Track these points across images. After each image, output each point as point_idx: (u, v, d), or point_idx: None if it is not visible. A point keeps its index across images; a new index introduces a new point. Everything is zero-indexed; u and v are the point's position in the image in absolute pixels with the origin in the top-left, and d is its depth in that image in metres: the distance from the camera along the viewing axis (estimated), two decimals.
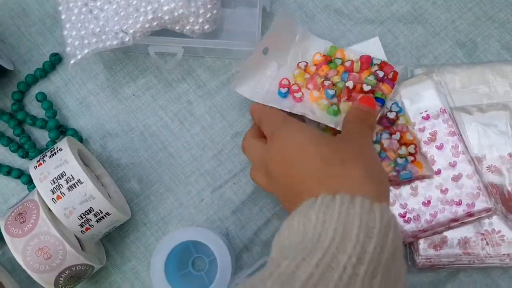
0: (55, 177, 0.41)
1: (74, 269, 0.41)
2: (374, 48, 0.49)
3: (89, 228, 0.42)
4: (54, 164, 0.41)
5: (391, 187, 0.47)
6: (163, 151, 0.50)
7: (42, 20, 0.53)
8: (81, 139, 0.49)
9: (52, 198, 0.40)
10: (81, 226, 0.41)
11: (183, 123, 0.51)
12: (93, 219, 0.41)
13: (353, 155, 0.38)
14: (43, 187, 0.41)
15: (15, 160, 0.50)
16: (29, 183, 0.49)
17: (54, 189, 0.40)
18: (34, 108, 0.51)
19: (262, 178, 0.42)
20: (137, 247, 0.48)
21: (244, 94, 0.49)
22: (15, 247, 0.40)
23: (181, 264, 0.47)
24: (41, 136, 0.50)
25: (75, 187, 0.40)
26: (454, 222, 0.44)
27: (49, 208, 0.41)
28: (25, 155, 0.49)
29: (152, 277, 0.43)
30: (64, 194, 0.40)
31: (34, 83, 0.51)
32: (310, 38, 0.51)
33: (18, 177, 0.49)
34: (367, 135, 0.42)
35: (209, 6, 0.45)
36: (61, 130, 0.49)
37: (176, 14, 0.45)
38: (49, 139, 0.49)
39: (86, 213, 0.41)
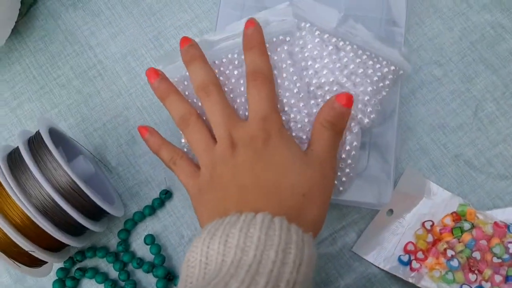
0: None
1: None
2: None
3: None
4: None
5: None
6: None
7: None
8: None
9: None
10: None
11: None
12: None
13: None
14: None
15: None
16: None
17: None
18: (140, 247, 0.49)
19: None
20: None
21: (365, 257, 0.47)
22: None
23: None
24: (146, 280, 0.48)
25: None
26: None
27: None
28: None
29: None
30: None
31: (142, 220, 0.49)
32: (439, 193, 0.47)
33: None
34: (334, 147, 0.39)
35: (347, 171, 0.42)
36: (169, 277, 0.47)
37: None
38: None
39: None
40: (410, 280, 0.45)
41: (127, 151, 0.51)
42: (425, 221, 0.46)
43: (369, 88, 0.42)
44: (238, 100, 0.42)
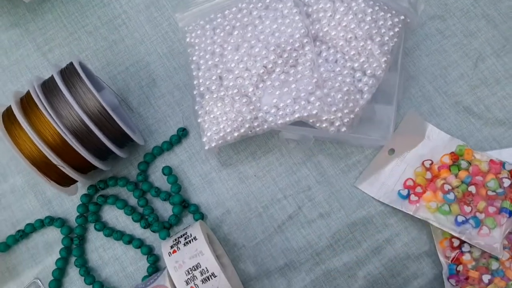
0: (190, 268, 0.42)
1: None
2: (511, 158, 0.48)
3: None
4: (189, 254, 0.42)
5: None
6: (279, 234, 0.50)
7: (171, 92, 0.54)
8: (203, 217, 0.50)
9: None
10: None
11: (301, 208, 0.51)
12: None
13: None
14: (178, 276, 0.42)
15: (135, 229, 0.52)
16: (149, 254, 0.50)
17: (189, 280, 0.41)
18: (158, 179, 0.52)
19: None
20: None
21: (366, 191, 0.50)
22: None
23: None
24: (163, 208, 0.52)
25: (209, 280, 0.41)
26: None
27: None
28: (147, 226, 0.50)
29: None
30: (198, 286, 0.41)
31: (160, 154, 0.53)
32: (439, 135, 0.50)
33: (139, 247, 0.50)
34: None
35: (346, 111, 0.45)
36: (184, 205, 0.50)
37: (317, 115, 0.45)
38: (172, 213, 0.50)
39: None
40: (408, 212, 0.48)
41: (148, 93, 0.55)
42: (425, 160, 0.49)
43: (386, 38, 0.46)
44: (245, 45, 0.46)
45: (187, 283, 0.41)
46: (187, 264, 0.42)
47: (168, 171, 0.51)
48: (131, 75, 0.55)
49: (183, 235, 0.44)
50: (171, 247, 0.43)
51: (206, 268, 0.41)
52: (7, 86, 0.56)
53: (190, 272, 0.41)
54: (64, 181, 0.46)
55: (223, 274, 0.41)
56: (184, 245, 0.43)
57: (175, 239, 0.44)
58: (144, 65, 0.55)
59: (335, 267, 0.49)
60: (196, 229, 0.44)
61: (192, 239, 0.43)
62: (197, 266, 0.42)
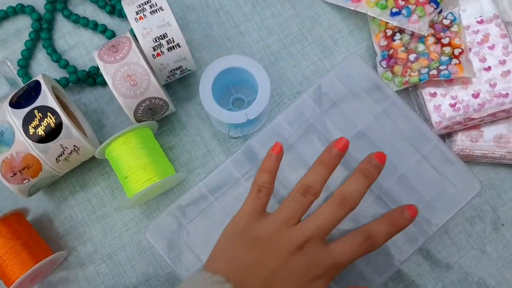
0: (141, 3, 0.47)
1: (153, 101, 0.47)
2: None
3: (160, 55, 0.47)
4: (156, 23, 0.46)
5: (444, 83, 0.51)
6: (234, 29, 0.55)
7: None
8: None
9: (135, 18, 0.46)
10: (154, 49, 0.46)
11: (255, 7, 0.56)
12: (165, 46, 0.46)
13: None
14: (130, 10, 0.47)
15: (100, 18, 0.56)
16: (112, 37, 0.54)
17: (139, 11, 0.46)
18: None
19: None
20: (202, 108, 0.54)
21: None
22: (107, 71, 0.46)
23: (222, 104, 0.51)
24: None
25: (156, 12, 0.46)
26: (500, 113, 0.49)
27: (140, 46, 0.47)
28: (112, 11, 0.54)
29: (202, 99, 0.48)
30: (146, 16, 0.46)
31: None
32: None
33: (103, 31, 0.54)
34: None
35: None
36: None
37: None
38: None
39: (160, 37, 0.46)
40: (350, 8, 0.53)
41: None
42: None
43: None
44: None
45: (137, 14, 0.46)
46: (154, 32, 0.46)
47: None
48: None
49: (148, 2, 0.47)
50: (137, 13, 0.47)
51: (155, 3, 0.46)
52: None
53: (141, 6, 0.46)
54: None
55: (170, 10, 0.46)
56: (151, 13, 0.47)
57: (139, 5, 0.47)
58: None
59: (282, 57, 0.54)
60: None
61: (158, 9, 0.47)
62: (164, 36, 0.46)
